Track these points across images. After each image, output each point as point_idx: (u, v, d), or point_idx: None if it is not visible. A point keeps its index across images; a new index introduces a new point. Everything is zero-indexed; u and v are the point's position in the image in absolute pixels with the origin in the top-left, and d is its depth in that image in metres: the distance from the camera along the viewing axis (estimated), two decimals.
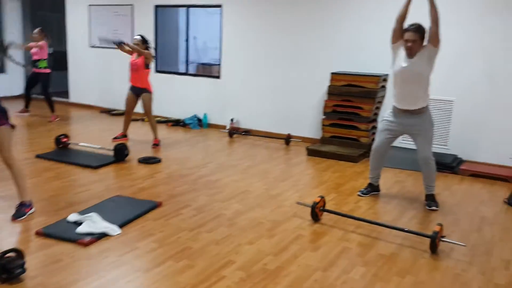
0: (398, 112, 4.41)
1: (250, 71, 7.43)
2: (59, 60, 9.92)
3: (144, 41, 6.32)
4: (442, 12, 5.76)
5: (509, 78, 5.66)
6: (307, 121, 7.04)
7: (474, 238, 3.79)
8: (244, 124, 7.61)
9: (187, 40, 8.11)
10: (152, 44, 8.22)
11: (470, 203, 4.66)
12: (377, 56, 6.24)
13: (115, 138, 6.72)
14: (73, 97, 9.66)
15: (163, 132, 7.50)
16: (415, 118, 4.33)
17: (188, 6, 7.93)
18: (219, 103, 7.83)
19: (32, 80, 8.06)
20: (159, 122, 8.11)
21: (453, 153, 6.04)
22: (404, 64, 4.22)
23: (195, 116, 7.92)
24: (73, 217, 3.81)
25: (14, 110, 8.45)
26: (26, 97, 8.26)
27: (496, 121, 5.79)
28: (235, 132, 7.31)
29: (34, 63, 7.89)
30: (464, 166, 5.73)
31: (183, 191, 4.72)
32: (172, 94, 8.26)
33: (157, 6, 8.19)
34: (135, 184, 4.88)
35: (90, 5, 8.94)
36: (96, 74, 9.23)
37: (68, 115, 8.77)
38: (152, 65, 8.19)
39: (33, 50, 7.82)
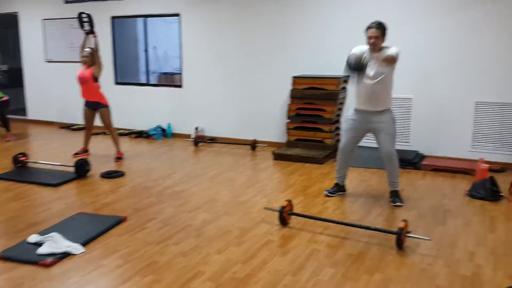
0: (361, 112, 4.48)
1: (212, 79, 7.40)
2: (14, 77, 9.63)
3: (93, 54, 6.18)
4: (398, 9, 5.96)
5: (462, 73, 5.84)
6: (272, 125, 7.05)
7: (439, 231, 3.86)
8: (209, 132, 7.56)
9: (146, 50, 8.01)
10: (105, 57, 8.11)
11: (433, 197, 4.76)
12: (337, 58, 6.31)
13: (76, 154, 6.54)
14: (31, 114, 9.37)
15: (126, 144, 7.36)
16: (377, 116, 4.40)
17: (146, 16, 7.84)
18: (182, 112, 7.75)
19: None
20: (122, 134, 7.97)
21: (415, 149, 6.17)
22: (370, 63, 4.28)
23: (158, 127, 7.82)
24: (33, 238, 3.67)
25: None
26: None
27: (453, 116, 5.96)
28: (200, 140, 7.25)
29: None
30: (425, 161, 5.86)
31: (149, 204, 4.62)
32: (134, 106, 8.13)
33: (113, 17, 8.06)
34: (98, 200, 4.75)
35: (44, 19, 8.70)
36: (53, 89, 8.98)
37: (26, 133, 8.50)
38: (111, 77, 8.09)
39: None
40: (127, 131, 8.04)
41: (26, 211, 4.45)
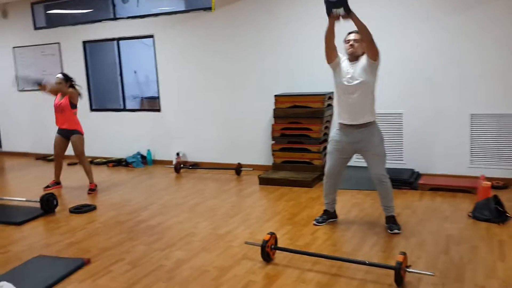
0: (344, 128, 4.07)
1: (191, 101, 6.99)
2: None
3: (67, 79, 5.77)
4: (383, 19, 5.61)
5: (454, 84, 5.47)
6: (257, 147, 6.63)
7: (442, 262, 3.42)
8: (192, 157, 7.12)
9: (120, 75, 7.61)
10: (78, 81, 7.73)
11: (434, 221, 4.32)
12: (320, 74, 5.97)
13: (47, 187, 6.07)
14: (5, 146, 8.89)
15: (103, 174, 6.90)
16: (362, 133, 3.99)
17: (118, 40, 7.46)
18: (162, 137, 7.32)
19: None
20: (99, 163, 7.52)
21: (410, 167, 5.75)
22: (348, 69, 3.92)
23: (138, 154, 7.37)
24: None
25: None
26: None
27: (448, 130, 5.57)
28: (181, 166, 6.80)
29: None
30: (422, 180, 5.43)
31: (118, 241, 4.15)
32: (111, 132, 7.70)
33: (85, 42, 7.68)
34: (63, 239, 4.27)
35: (14, 47, 8.30)
36: (27, 119, 8.54)
37: (3, 164, 8.00)
38: (86, 104, 7.67)
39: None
40: (104, 160, 7.59)
41: None
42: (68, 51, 7.79)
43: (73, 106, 5.78)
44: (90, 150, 7.83)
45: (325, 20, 3.80)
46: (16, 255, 3.93)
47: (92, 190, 5.85)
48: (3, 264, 3.75)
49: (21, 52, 8.19)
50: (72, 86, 5.80)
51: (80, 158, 5.92)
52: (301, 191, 5.52)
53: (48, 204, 5.01)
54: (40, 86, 5.86)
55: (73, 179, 6.55)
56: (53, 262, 3.73)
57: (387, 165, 4.13)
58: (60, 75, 5.79)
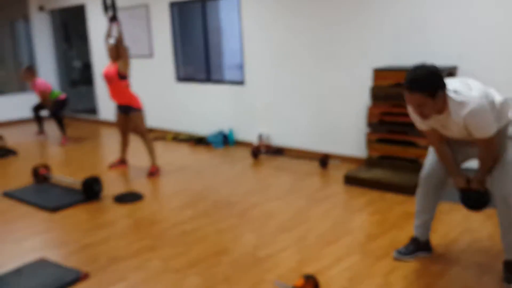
0: None
1: (278, 74, 5.82)
2: (87, 75, 9.22)
3: (118, 45, 5.06)
4: None
5: None
6: (349, 134, 5.29)
7: None
8: (277, 140, 6.03)
9: (205, 40, 6.74)
10: (163, 48, 7.10)
11: None
12: (439, 41, 4.40)
13: (112, 165, 5.58)
14: (103, 114, 8.77)
15: (178, 153, 6.23)
16: None
17: (204, 0, 6.58)
18: (246, 115, 6.34)
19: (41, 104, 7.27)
20: (183, 140, 6.88)
21: None
22: None
23: (220, 133, 6.53)
24: None
25: (27, 134, 7.83)
26: (37, 119, 7.51)
27: None
28: (259, 152, 5.78)
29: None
30: None
31: (136, 250, 3.34)
32: (196, 106, 6.96)
33: (172, 4, 6.94)
34: (82, 238, 3.61)
35: None
36: None
37: (85, 136, 7.77)
38: (172, 73, 7.03)
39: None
40: (188, 137, 6.93)
41: None
42: (155, 14, 7.17)
43: (122, 77, 5.05)
44: (175, 124, 7.29)
45: None
46: (23, 253, 3.37)
47: (152, 173, 5.17)
48: (4, 262, 3.21)
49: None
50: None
51: (141, 137, 5.25)
52: (396, 199, 4.13)
53: (90, 190, 4.42)
54: (112, 20, 5.09)
55: (143, 158, 5.92)
56: (48, 271, 3.06)
57: None
58: (113, 40, 5.07)
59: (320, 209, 4.01)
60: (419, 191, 3.02)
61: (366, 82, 4.92)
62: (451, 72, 4.36)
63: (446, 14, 4.39)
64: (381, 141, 4.75)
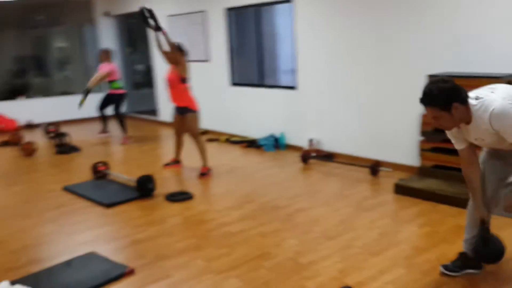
0: None
1: (331, 79, 5.76)
2: (149, 77, 9.57)
3: (179, 49, 5.22)
4: None
5: None
6: (403, 142, 5.13)
7: None
8: (327, 146, 5.98)
9: (259, 45, 6.80)
10: (218, 52, 7.20)
11: None
12: (500, 47, 4.19)
13: (167, 164, 5.77)
14: (163, 115, 9.07)
15: (230, 155, 6.33)
16: None
17: (257, 6, 6.62)
18: (297, 119, 6.33)
19: (106, 101, 7.61)
20: (234, 142, 6.98)
21: None
22: None
23: (271, 136, 6.56)
24: (1, 287, 2.83)
25: (92, 132, 8.23)
26: (102, 118, 7.89)
27: None
28: (309, 156, 5.74)
29: (108, 83, 7.45)
30: None
31: (182, 248, 3.44)
32: (249, 110, 7.04)
33: (228, 9, 7.07)
34: (133, 234, 3.76)
35: (168, 15, 8.22)
36: None
37: (146, 136, 8.10)
38: (226, 77, 7.16)
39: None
40: (240, 139, 7.02)
41: (48, 239, 3.73)
42: (212, 19, 7.33)
43: (183, 80, 5.22)
44: (229, 127, 7.41)
45: None
46: (76, 246, 3.57)
47: (203, 174, 5.30)
48: (57, 255, 3.43)
49: (173, 21, 8.07)
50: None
51: (193, 138, 5.39)
52: (449, 212, 3.96)
53: (144, 188, 4.61)
54: (157, 30, 5.23)
55: (198, 158, 6.06)
56: (96, 265, 3.22)
57: None
58: (170, 47, 5.26)
59: (367, 218, 3.93)
60: (469, 203, 2.90)
61: (420, 89, 4.76)
62: (510, 81, 4.13)
63: (508, 20, 4.17)
64: (435, 150, 4.59)
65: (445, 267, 2.95)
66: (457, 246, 3.23)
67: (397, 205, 4.25)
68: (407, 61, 4.96)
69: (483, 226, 2.68)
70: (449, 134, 2.69)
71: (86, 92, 7.08)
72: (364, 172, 5.21)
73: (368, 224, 3.81)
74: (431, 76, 4.50)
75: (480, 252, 2.73)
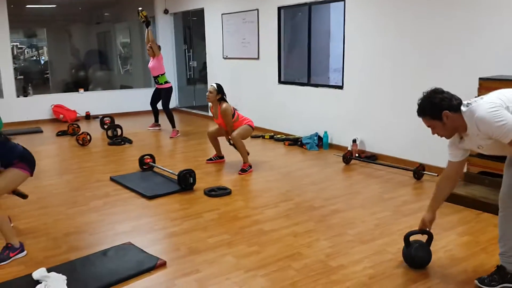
0: None
1: (377, 79, 5.65)
2: (203, 74, 9.76)
3: (219, 90, 5.42)
4: None
5: None
6: (446, 147, 4.93)
7: None
8: (371, 147, 5.87)
9: (309, 44, 6.75)
10: (270, 50, 7.25)
11: None
12: None
13: (209, 159, 5.89)
14: None
15: (273, 153, 6.36)
16: None
17: (310, 4, 6.57)
18: (342, 119, 6.25)
19: (156, 95, 7.86)
20: (278, 140, 7.00)
21: None
22: None
23: (315, 135, 6.52)
24: (38, 273, 3.01)
25: (145, 125, 8.51)
26: (154, 112, 8.14)
27: None
28: (351, 157, 5.66)
29: (155, 79, 7.69)
30: None
31: (214, 244, 3.51)
32: (295, 108, 7.03)
33: (279, 8, 7.06)
34: (170, 227, 3.88)
35: (222, 14, 8.33)
36: (228, 84, 8.61)
37: (196, 130, 8.26)
38: (275, 75, 7.18)
39: (150, 65, 7.65)
40: (284, 136, 7.03)
41: (89, 227, 3.91)
42: (264, 17, 7.36)
43: (232, 116, 5.44)
44: (274, 124, 7.43)
45: None
46: (116, 235, 3.71)
47: (244, 171, 5.36)
48: (96, 243, 3.58)
49: (228, 19, 8.18)
50: (223, 99, 5.42)
51: (233, 140, 5.48)
52: (492, 221, 3.78)
53: (185, 181, 4.73)
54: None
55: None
56: (130, 255, 3.34)
57: None
58: (214, 85, 5.42)
59: (405, 223, 3.84)
60: (499, 214, 2.78)
61: (470, 92, 4.56)
62: None
63: None
64: (482, 156, 4.38)
65: (481, 280, 2.83)
66: (497, 257, 3.10)
67: (438, 211, 4.08)
68: (457, 64, 4.78)
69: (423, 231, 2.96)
70: (449, 144, 2.79)
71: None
72: (408, 176, 5.07)
73: (405, 230, 3.68)
74: (481, 80, 4.32)
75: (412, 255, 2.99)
